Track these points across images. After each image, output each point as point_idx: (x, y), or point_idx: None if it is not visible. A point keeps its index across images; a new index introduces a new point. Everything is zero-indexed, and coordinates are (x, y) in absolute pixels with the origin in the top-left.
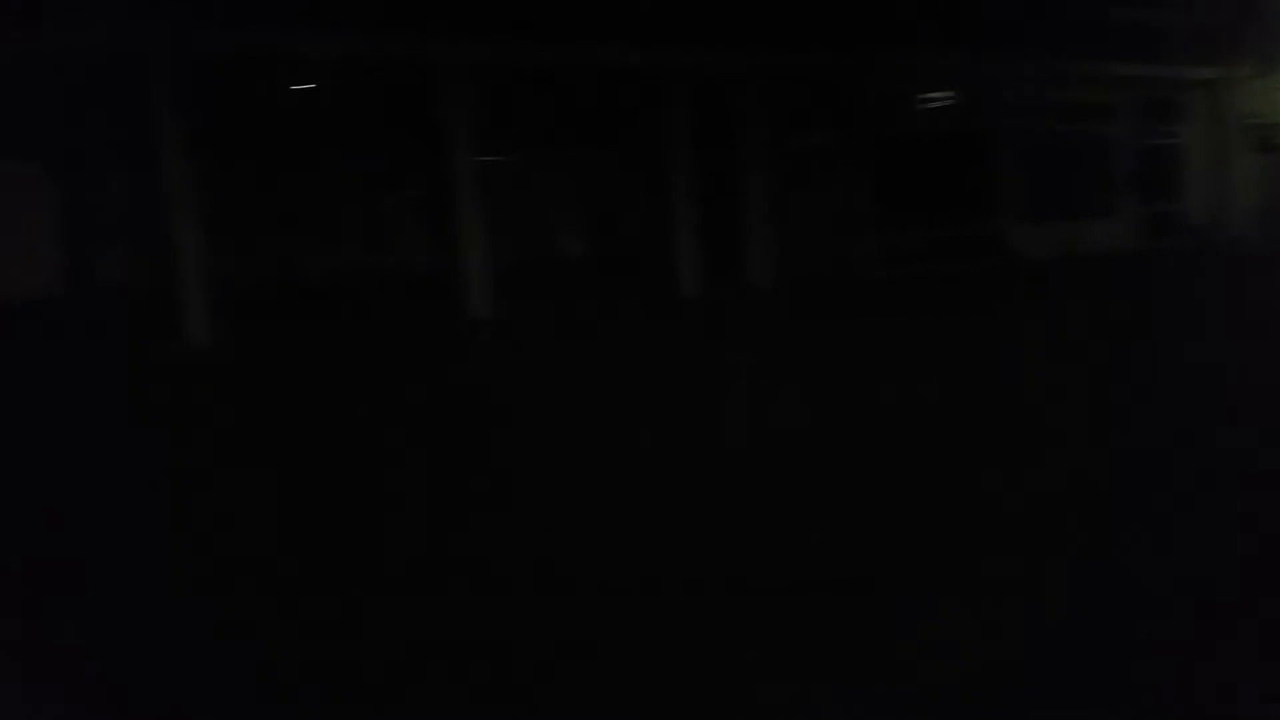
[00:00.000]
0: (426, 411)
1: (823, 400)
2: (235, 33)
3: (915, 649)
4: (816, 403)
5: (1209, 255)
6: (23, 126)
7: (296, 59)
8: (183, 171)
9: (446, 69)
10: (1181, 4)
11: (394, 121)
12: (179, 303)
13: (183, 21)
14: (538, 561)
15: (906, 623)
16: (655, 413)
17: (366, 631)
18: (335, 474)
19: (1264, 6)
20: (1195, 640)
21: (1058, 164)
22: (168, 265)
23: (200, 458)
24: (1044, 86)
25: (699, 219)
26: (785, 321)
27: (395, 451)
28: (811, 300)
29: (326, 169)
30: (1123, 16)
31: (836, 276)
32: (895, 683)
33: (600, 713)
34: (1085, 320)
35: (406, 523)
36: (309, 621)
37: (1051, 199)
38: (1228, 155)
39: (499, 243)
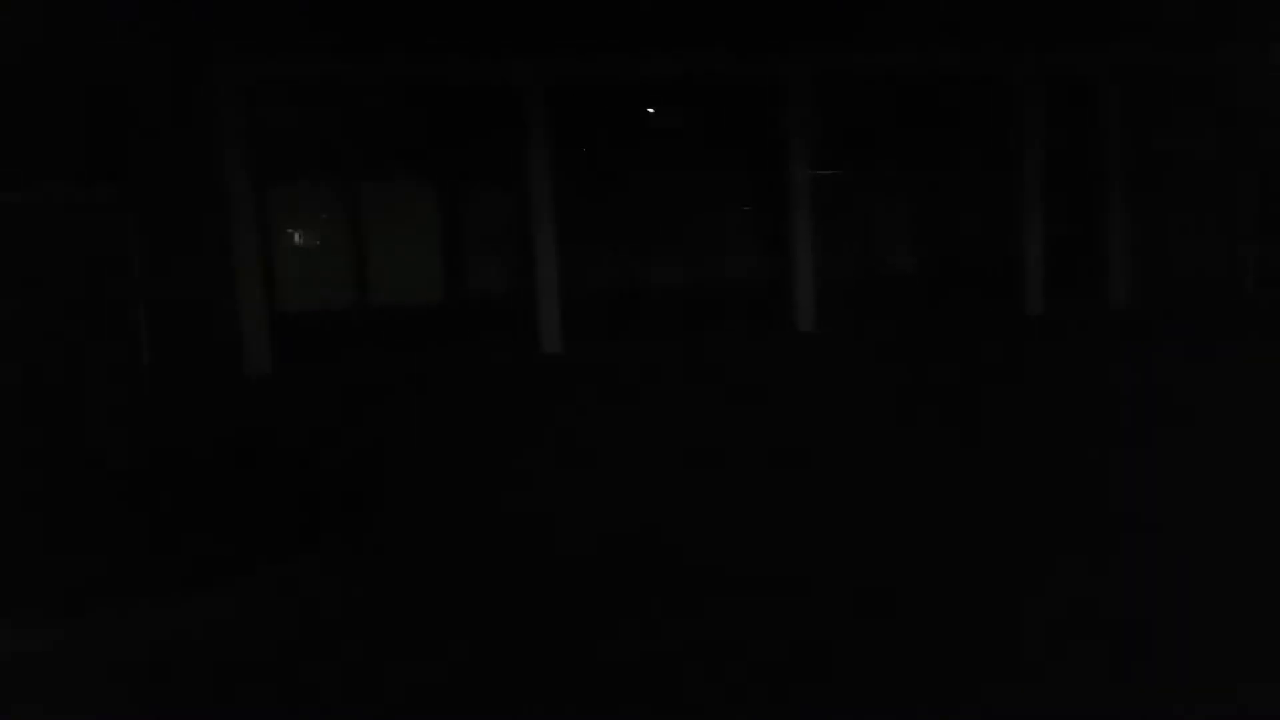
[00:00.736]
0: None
1: (1194, 447)
2: (589, 59)
3: None
4: (1187, 449)
5: None
6: (416, 148)
7: (644, 82)
8: (542, 192)
9: (789, 81)
10: None
11: (736, 138)
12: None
13: (549, 50)
14: None
15: None
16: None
17: None
18: None
19: None
20: None
21: None
22: (528, 277)
23: None
24: None
25: (1048, 229)
26: (1142, 344)
27: None
28: (1173, 321)
29: (673, 186)
30: None
31: (1204, 296)
32: None
33: None
34: None
35: None
36: None
37: None
38: None
39: (829, 257)
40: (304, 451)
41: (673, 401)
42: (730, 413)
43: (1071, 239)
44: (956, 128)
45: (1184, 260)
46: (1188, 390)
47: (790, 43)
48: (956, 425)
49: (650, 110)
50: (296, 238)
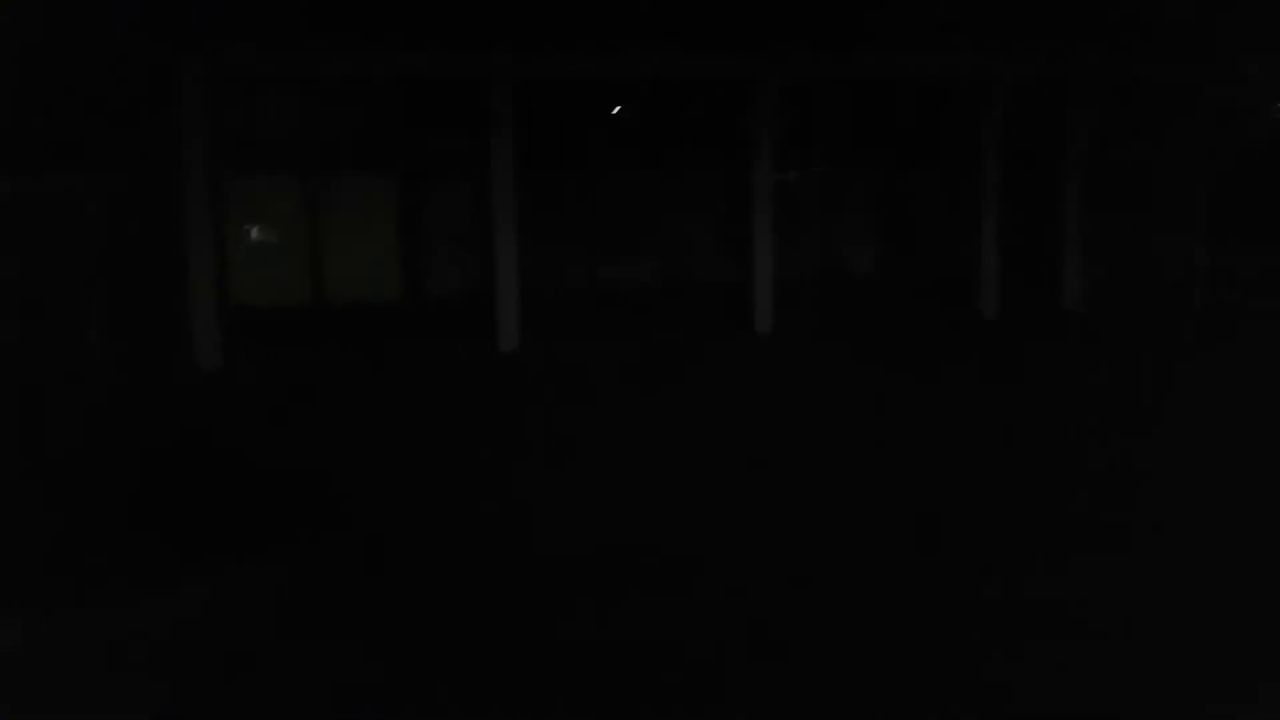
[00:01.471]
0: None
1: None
2: (555, 57)
3: None
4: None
5: None
6: (378, 144)
7: (608, 80)
8: (504, 188)
9: (755, 84)
10: None
11: (700, 138)
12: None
13: (514, 47)
14: None
15: None
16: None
17: None
18: None
19: None
20: None
21: None
22: (487, 274)
23: None
24: None
25: (1004, 235)
26: (1097, 349)
27: None
28: (1127, 327)
29: (634, 184)
30: None
31: (1158, 302)
32: None
33: None
34: None
35: None
36: None
37: None
38: None
39: (789, 259)
40: (234, 450)
41: (624, 400)
42: (681, 412)
43: (1028, 244)
44: (916, 133)
45: (1138, 266)
46: (1126, 393)
47: (757, 46)
48: (897, 425)
49: (615, 110)
50: (255, 232)
